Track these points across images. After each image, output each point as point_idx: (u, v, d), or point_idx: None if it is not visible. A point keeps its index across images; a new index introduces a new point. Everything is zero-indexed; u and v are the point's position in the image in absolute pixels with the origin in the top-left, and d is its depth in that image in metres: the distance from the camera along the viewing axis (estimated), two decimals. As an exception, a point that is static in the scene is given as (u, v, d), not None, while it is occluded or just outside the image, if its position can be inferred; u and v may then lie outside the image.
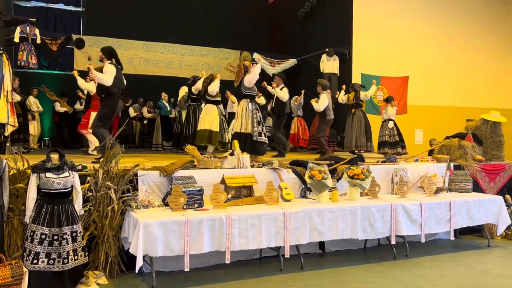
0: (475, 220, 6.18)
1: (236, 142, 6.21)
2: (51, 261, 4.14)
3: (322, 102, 8.20)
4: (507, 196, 7.26)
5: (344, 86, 9.68)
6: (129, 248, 4.47)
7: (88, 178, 4.75)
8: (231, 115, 9.37)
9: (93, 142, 8.18)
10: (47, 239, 4.15)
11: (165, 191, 5.19)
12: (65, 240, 4.21)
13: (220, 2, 14.76)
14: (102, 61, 6.45)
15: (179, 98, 10.38)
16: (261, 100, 10.14)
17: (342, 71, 11.24)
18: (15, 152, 4.91)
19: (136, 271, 4.31)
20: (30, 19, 9.92)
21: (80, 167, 4.96)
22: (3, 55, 6.18)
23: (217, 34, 14.17)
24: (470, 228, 6.53)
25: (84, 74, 8.77)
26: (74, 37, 11.44)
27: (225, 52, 13.04)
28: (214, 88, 8.11)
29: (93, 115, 8.24)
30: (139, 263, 4.25)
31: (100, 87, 6.45)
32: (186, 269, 4.48)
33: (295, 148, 11.12)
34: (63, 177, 4.27)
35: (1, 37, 9.41)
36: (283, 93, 8.70)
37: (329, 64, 11.10)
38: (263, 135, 7.05)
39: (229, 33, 14.22)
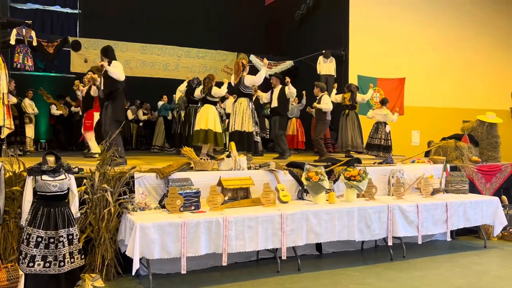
0: (471, 221, 6.20)
1: (233, 144, 6.21)
2: (47, 264, 4.13)
3: (327, 101, 8.18)
4: (503, 197, 7.29)
5: (336, 85, 9.68)
6: (125, 251, 4.46)
7: (85, 180, 4.74)
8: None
9: (93, 146, 8.18)
10: (43, 242, 4.14)
11: (162, 193, 5.18)
12: (62, 243, 4.19)
13: (216, 4, 14.77)
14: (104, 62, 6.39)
15: (176, 99, 10.38)
16: (263, 94, 9.84)
17: (339, 73, 11.25)
18: (11, 154, 4.88)
19: (133, 273, 4.30)
20: (26, 21, 9.89)
21: (76, 169, 4.96)
22: (-1, 57, 6.17)
23: (214, 36, 14.18)
24: (466, 229, 6.54)
25: (79, 77, 8.77)
26: (71, 39, 11.42)
27: (222, 54, 13.04)
28: (221, 92, 7.99)
29: (96, 115, 8.25)
30: (136, 265, 4.24)
31: (109, 84, 6.34)
32: (183, 272, 4.47)
33: (295, 149, 11.12)
34: (59, 180, 4.26)
35: (-3, 39, 9.39)
36: (292, 90, 8.39)
37: (326, 66, 11.12)
38: (259, 135, 7.10)
39: (226, 35, 14.23)
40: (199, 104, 9.31)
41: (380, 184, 6.40)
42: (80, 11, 14.12)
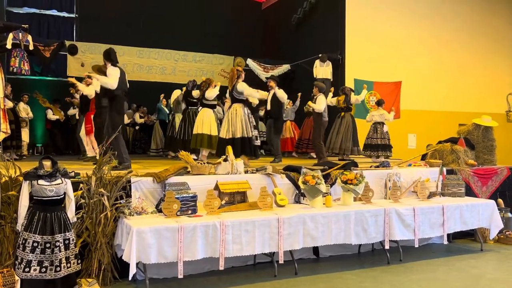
0: (468, 224, 6.21)
1: (229, 148, 6.21)
2: (43, 269, 4.11)
3: (321, 103, 8.21)
4: (500, 200, 7.31)
5: (332, 89, 9.74)
6: (122, 255, 4.45)
7: (81, 185, 4.72)
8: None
9: (90, 150, 8.17)
10: (39, 246, 4.12)
11: (159, 197, 5.17)
12: (58, 247, 4.18)
13: (213, 8, 14.79)
14: (105, 65, 6.37)
15: (171, 102, 10.39)
16: (254, 100, 9.99)
17: (335, 77, 11.28)
18: (7, 159, 4.87)
19: (130, 278, 4.30)
20: (22, 25, 9.86)
21: (72, 174, 4.94)
22: (-5, 61, 6.15)
23: (211, 40, 14.19)
24: (463, 232, 6.56)
25: (78, 80, 8.77)
26: (67, 43, 11.40)
27: (219, 58, 13.05)
28: (213, 94, 8.19)
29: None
30: (133, 270, 4.23)
31: (104, 90, 6.38)
32: (180, 276, 4.46)
33: (291, 152, 11.12)
34: (55, 184, 4.25)
35: (-7, 43, 9.37)
36: (282, 93, 8.53)
37: (322, 70, 11.15)
38: (257, 138, 7.16)
39: (223, 39, 14.25)
40: (197, 107, 9.34)
41: (376, 188, 6.41)
42: (77, 15, 14.10)
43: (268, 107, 8.90)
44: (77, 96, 9.69)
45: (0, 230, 4.40)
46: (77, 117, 10.81)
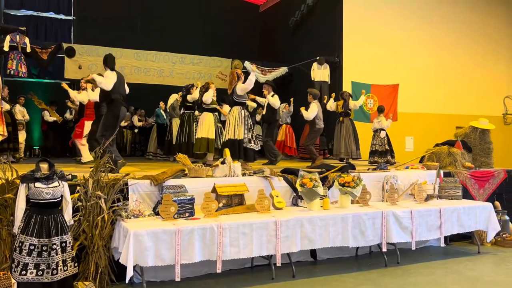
0: (465, 227, 6.22)
1: (227, 151, 6.21)
2: (40, 272, 4.10)
3: (311, 111, 8.29)
4: (497, 203, 7.32)
5: (333, 94, 9.78)
6: (119, 258, 4.44)
7: (78, 187, 4.72)
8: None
9: (85, 152, 8.15)
10: (36, 249, 4.11)
11: (156, 200, 5.17)
12: (55, 250, 4.17)
13: (211, 11, 14.81)
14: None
15: (168, 106, 10.41)
16: (251, 103, 10.12)
17: (333, 79, 11.31)
18: (3, 161, 4.85)
19: (127, 281, 4.28)
20: (20, 27, 9.87)
21: (70, 176, 4.94)
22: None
23: (208, 43, 14.21)
24: (460, 235, 6.56)
25: (73, 83, 8.77)
26: (65, 45, 11.40)
27: (217, 61, 13.06)
28: (208, 97, 8.26)
29: (87, 124, 8.27)
30: (130, 273, 4.22)
31: (102, 93, 6.42)
32: (177, 279, 4.45)
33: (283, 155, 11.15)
34: (52, 187, 4.24)
35: (-10, 46, 9.35)
36: (274, 100, 8.72)
37: (320, 72, 11.18)
38: (253, 142, 7.16)
39: (220, 42, 14.26)
40: (194, 111, 9.34)
41: (374, 190, 6.42)
42: (74, 17, 14.09)
43: (264, 111, 9.06)
44: (76, 101, 9.67)
45: (-3, 233, 4.38)
46: (73, 120, 10.81)
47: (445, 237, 6.22)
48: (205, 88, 8.39)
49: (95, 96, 7.43)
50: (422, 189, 6.46)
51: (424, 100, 12.25)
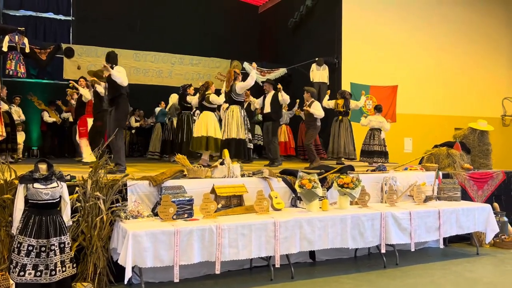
0: (464, 228, 6.23)
1: (226, 151, 6.21)
2: (38, 273, 4.09)
3: (318, 108, 8.22)
4: (495, 204, 7.33)
5: (328, 91, 9.74)
6: (118, 259, 4.43)
7: (77, 188, 4.71)
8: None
9: (86, 154, 8.14)
10: (34, 250, 4.10)
11: (155, 201, 5.16)
12: (53, 251, 4.16)
13: (210, 12, 14.81)
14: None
15: (169, 106, 10.40)
16: (256, 102, 9.82)
17: (332, 80, 11.30)
18: (2, 162, 4.84)
19: (125, 282, 4.27)
20: (19, 28, 9.87)
21: (68, 177, 4.93)
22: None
23: (208, 43, 14.20)
24: (459, 236, 6.57)
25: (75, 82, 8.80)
26: (64, 46, 11.38)
27: (216, 61, 13.05)
28: (218, 99, 7.88)
29: (90, 121, 8.25)
30: (128, 274, 4.21)
31: (112, 88, 6.31)
32: (176, 280, 4.45)
33: (286, 156, 11.13)
34: (51, 188, 4.23)
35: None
36: (285, 97, 8.41)
37: (319, 73, 11.18)
38: (251, 142, 7.20)
39: (220, 43, 14.26)
40: (192, 111, 9.33)
41: (373, 192, 6.42)
42: (73, 18, 14.07)
43: (267, 109, 8.70)
44: (73, 101, 9.66)
45: (-5, 233, 4.37)
46: (71, 119, 10.80)
47: (444, 239, 6.23)
48: (205, 87, 8.29)
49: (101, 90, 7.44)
50: (421, 191, 6.46)
51: (423, 101, 12.25)
